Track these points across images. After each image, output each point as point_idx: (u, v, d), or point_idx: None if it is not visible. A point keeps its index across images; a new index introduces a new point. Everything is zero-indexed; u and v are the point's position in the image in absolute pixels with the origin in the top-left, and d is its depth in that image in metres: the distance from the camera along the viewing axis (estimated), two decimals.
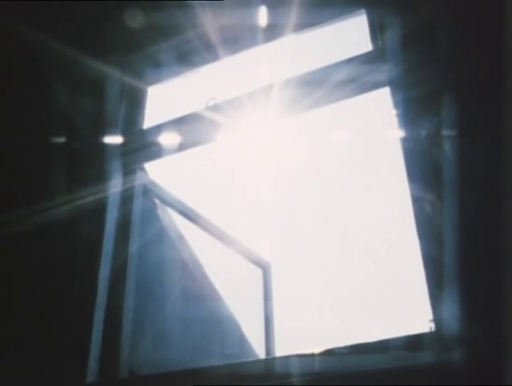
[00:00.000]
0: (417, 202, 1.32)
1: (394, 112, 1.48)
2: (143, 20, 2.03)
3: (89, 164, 1.84)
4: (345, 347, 1.20)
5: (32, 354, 1.53)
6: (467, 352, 1.11)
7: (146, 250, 2.21)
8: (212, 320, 2.83)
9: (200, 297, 2.83)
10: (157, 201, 2.26)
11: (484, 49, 1.40)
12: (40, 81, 2.05)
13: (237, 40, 1.98)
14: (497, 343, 1.08)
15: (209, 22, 1.98)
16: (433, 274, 1.21)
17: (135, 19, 2.00)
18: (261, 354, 2.83)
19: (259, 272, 3.08)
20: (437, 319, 1.17)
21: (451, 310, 1.15)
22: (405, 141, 1.41)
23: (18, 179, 1.92)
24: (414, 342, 1.18)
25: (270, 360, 1.41)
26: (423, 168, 1.34)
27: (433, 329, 1.18)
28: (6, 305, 1.66)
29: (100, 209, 1.77)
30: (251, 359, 2.96)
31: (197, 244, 2.84)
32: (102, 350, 1.52)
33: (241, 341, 3.03)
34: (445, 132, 1.35)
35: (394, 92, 1.50)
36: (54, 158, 1.91)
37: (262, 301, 2.96)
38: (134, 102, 2.05)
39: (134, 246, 1.80)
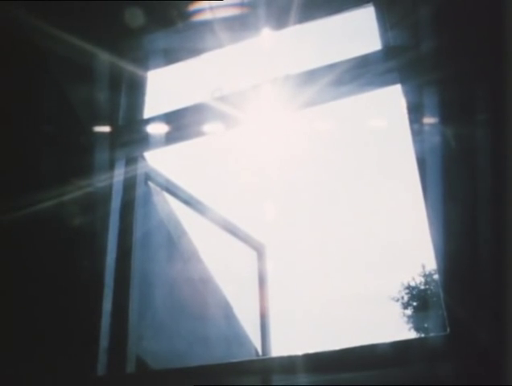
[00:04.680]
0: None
1: (404, 107, 1.49)
2: (145, 5, 1.99)
3: (91, 154, 1.83)
4: (353, 348, 1.25)
5: (43, 348, 1.55)
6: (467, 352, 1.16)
7: (147, 236, 2.22)
8: (206, 304, 2.87)
9: (195, 281, 2.86)
10: (157, 188, 2.27)
11: (491, 42, 1.42)
12: (40, 71, 2.01)
13: (242, 28, 1.96)
14: (497, 343, 1.13)
15: (214, 8, 1.95)
16: (446, 272, 1.25)
17: (137, 6, 1.97)
18: (255, 334, 2.89)
19: (254, 254, 3.11)
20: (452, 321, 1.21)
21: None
22: (415, 135, 1.44)
23: (20, 169, 1.90)
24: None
25: (271, 359, 1.45)
26: (434, 162, 1.37)
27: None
28: (12, 299, 1.66)
29: (103, 198, 1.77)
30: (246, 340, 3.03)
31: (195, 227, 2.86)
32: (111, 341, 1.54)
33: (236, 323, 3.09)
34: (456, 126, 1.37)
35: (404, 88, 1.52)
36: (53, 148, 1.89)
37: (256, 283, 3.00)
38: (135, 89, 2.03)
39: (137, 233, 1.82)
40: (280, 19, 1.91)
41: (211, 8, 1.97)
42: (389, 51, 1.60)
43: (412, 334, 17.54)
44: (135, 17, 2.02)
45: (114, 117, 1.93)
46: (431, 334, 1.23)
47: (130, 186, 1.85)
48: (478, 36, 1.45)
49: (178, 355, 2.44)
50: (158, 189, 2.36)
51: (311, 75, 1.67)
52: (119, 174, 1.85)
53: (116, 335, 1.57)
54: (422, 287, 18.92)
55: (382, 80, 1.60)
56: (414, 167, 1.42)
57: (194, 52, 2.08)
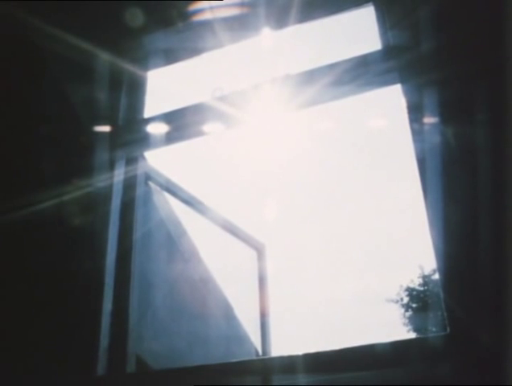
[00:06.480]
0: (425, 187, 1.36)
1: (404, 107, 1.50)
2: (145, 5, 2.00)
3: (91, 154, 1.83)
4: (353, 348, 1.25)
5: (42, 348, 1.55)
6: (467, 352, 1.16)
7: (147, 236, 2.22)
8: (206, 304, 2.87)
9: (194, 280, 2.86)
10: (158, 188, 2.27)
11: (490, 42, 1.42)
12: (40, 71, 2.02)
13: (242, 28, 1.96)
14: (497, 343, 1.13)
15: (214, 8, 1.95)
16: (446, 272, 1.25)
17: (137, 6, 1.97)
18: (255, 334, 2.89)
19: (254, 254, 3.11)
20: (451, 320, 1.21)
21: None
22: (415, 135, 1.44)
23: (20, 169, 1.90)
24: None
25: (271, 359, 1.45)
26: (434, 162, 1.37)
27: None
28: (12, 299, 1.67)
29: (103, 198, 1.77)
30: (246, 340, 3.02)
31: (195, 227, 2.85)
32: (111, 341, 1.54)
33: (236, 323, 3.09)
34: (456, 126, 1.37)
35: (404, 88, 1.52)
36: (53, 148, 1.90)
37: (256, 283, 3.00)
38: (135, 89, 2.03)
39: (137, 233, 1.82)
40: (280, 19, 1.91)
41: (211, 8, 1.97)
42: (389, 51, 1.60)
43: (412, 335, 17.56)
44: (135, 17, 2.02)
45: (114, 116, 1.93)
46: (431, 334, 1.23)
47: (130, 186, 1.85)
48: (478, 36, 1.45)
49: (178, 355, 2.44)
50: (158, 189, 2.37)
51: (311, 75, 1.67)
52: (119, 174, 1.85)
53: (116, 335, 1.57)
54: (421, 288, 18.95)
55: (382, 80, 1.60)
56: (414, 167, 1.42)
57: (194, 52, 2.08)
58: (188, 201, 2.60)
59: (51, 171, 1.84)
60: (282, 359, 1.31)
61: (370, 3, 1.75)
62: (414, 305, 18.98)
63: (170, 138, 1.89)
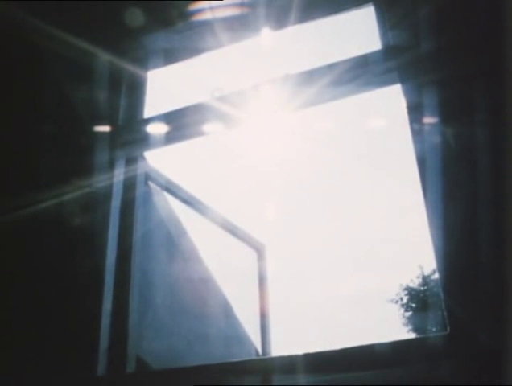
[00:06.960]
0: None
1: (404, 107, 1.50)
2: (145, 5, 2.00)
3: (91, 154, 1.83)
4: (353, 348, 1.25)
5: (42, 349, 1.55)
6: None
7: (147, 236, 2.23)
8: (206, 304, 2.87)
9: (194, 280, 2.86)
10: (157, 188, 2.27)
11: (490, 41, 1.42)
12: (40, 71, 2.02)
13: (242, 28, 1.96)
14: (497, 343, 1.13)
15: (214, 8, 1.95)
16: (446, 272, 1.25)
17: (137, 6, 1.97)
18: (255, 334, 2.89)
19: (254, 254, 3.11)
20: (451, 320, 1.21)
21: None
22: (416, 135, 1.44)
23: (20, 169, 1.91)
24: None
25: (271, 359, 1.45)
26: (434, 162, 1.37)
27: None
28: (12, 299, 1.67)
29: (103, 198, 1.77)
30: (246, 340, 3.03)
31: (195, 227, 2.86)
32: (111, 341, 1.54)
33: (236, 323, 3.09)
34: (456, 126, 1.37)
35: (404, 88, 1.52)
36: (53, 148, 1.90)
37: (256, 283, 3.00)
38: (135, 89, 2.03)
39: (137, 233, 1.82)
40: (280, 19, 1.91)
41: (211, 8, 1.97)
42: (389, 51, 1.60)
43: (412, 335, 17.57)
44: (135, 17, 2.02)
45: (114, 117, 1.93)
46: (431, 334, 1.24)
47: (130, 186, 1.85)
48: (478, 36, 1.45)
49: (178, 355, 2.44)
50: (158, 189, 2.37)
51: (310, 75, 1.67)
52: (119, 174, 1.85)
53: (116, 335, 1.57)
54: (421, 288, 18.98)
55: (382, 80, 1.60)
56: (414, 167, 1.42)
57: (194, 52, 2.08)
58: (188, 201, 2.60)
59: (51, 171, 1.85)
60: (282, 359, 1.31)
61: (370, 3, 1.75)
62: (414, 305, 19.00)
63: (170, 138, 1.90)
